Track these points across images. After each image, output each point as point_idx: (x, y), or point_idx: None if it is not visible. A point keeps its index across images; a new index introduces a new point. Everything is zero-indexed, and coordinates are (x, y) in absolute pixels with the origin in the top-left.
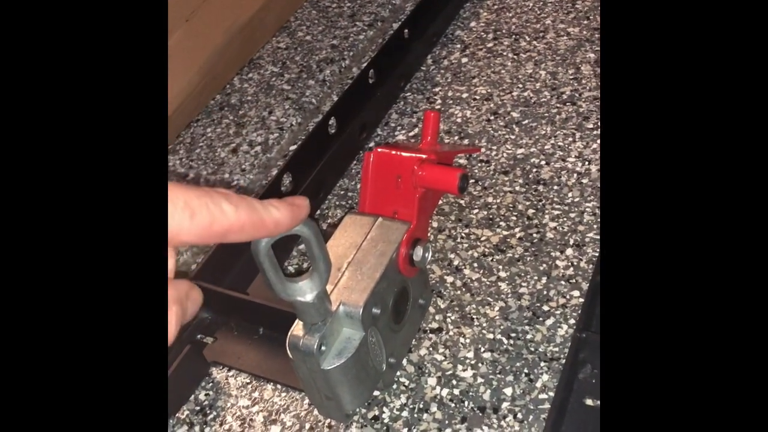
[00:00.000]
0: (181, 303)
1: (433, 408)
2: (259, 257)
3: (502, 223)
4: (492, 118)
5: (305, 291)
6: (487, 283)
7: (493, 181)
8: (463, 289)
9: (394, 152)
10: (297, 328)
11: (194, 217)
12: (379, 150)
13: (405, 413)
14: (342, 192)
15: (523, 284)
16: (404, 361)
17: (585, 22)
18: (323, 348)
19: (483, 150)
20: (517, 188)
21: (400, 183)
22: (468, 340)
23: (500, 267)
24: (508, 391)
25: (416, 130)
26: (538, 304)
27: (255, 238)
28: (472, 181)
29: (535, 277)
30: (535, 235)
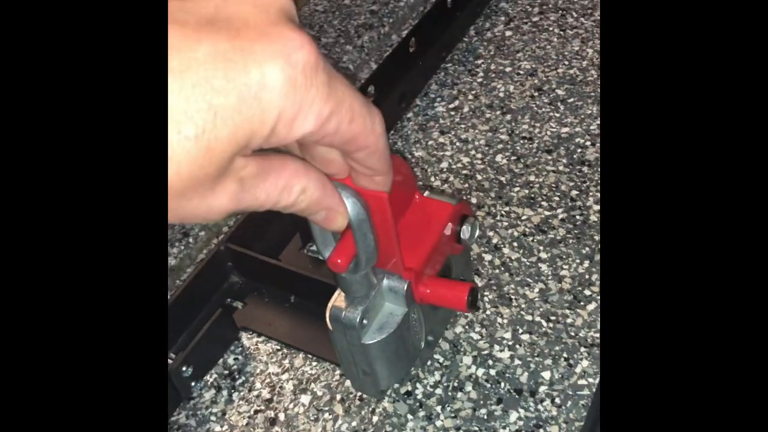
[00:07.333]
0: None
1: (468, 387)
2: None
3: (544, 203)
4: (536, 94)
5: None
6: (527, 263)
7: (536, 159)
8: (502, 269)
9: None
10: (339, 299)
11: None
12: None
13: (439, 390)
14: None
15: (565, 267)
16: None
17: None
18: (365, 322)
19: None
20: (561, 168)
21: None
22: (506, 321)
23: (541, 248)
24: (546, 374)
25: (456, 102)
26: (580, 288)
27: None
28: (513, 157)
29: (578, 260)
30: (578, 217)
